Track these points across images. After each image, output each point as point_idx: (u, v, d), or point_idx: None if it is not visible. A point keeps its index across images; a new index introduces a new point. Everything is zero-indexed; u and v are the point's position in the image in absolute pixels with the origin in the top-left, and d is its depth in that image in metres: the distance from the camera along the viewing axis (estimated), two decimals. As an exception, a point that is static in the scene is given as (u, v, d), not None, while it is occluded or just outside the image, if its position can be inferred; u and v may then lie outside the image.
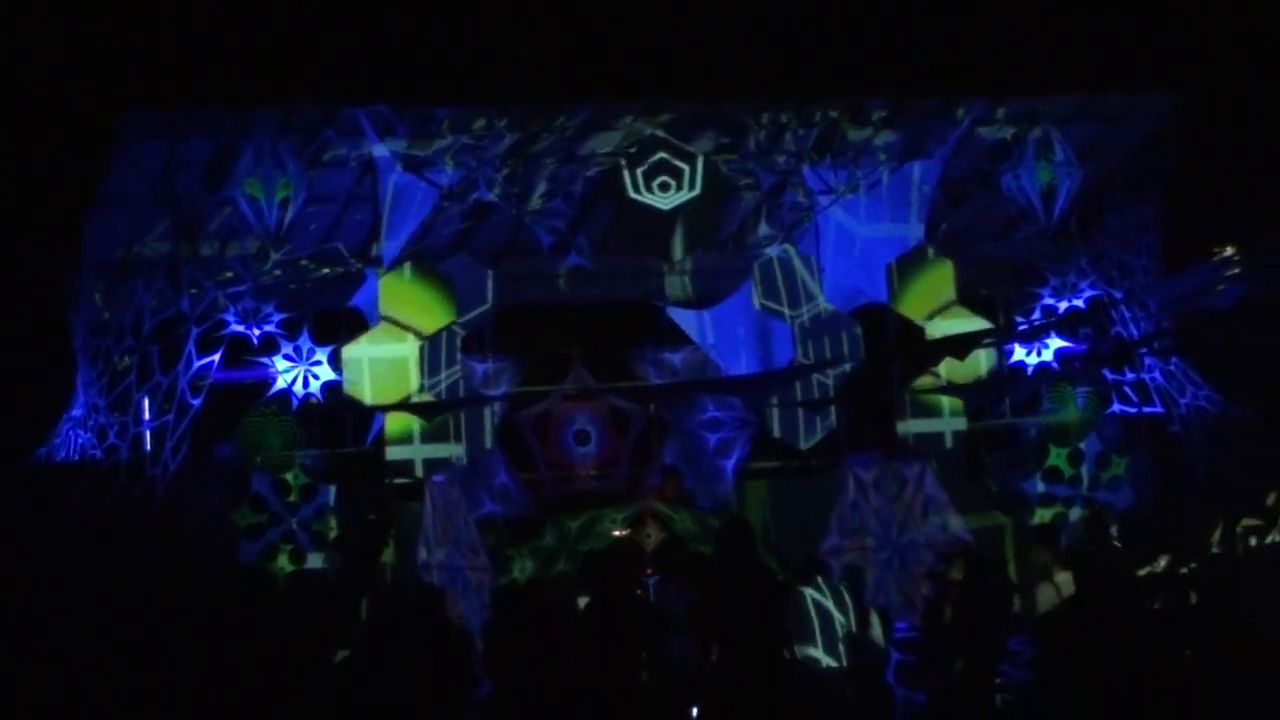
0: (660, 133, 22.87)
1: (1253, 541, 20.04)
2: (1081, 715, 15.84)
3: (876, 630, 19.13)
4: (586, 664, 15.85)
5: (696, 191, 22.97)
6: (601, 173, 23.33)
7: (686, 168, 22.84)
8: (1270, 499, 20.10)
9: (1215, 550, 20.62)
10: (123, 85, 22.92)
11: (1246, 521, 19.93)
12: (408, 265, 22.94)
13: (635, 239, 23.23)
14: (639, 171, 22.87)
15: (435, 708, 15.75)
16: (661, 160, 22.93)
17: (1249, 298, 24.20)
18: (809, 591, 18.16)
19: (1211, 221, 25.07)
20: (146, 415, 22.03)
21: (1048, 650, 17.71)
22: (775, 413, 24.13)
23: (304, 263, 23.06)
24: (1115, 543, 20.45)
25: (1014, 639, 19.41)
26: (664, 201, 22.85)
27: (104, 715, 15.95)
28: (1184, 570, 20.18)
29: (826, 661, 18.03)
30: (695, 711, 15.97)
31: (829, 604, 18.36)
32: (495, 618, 17.36)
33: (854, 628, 18.42)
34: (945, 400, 24.44)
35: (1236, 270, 24.48)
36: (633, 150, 22.87)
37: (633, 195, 22.86)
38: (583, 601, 17.27)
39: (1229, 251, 24.58)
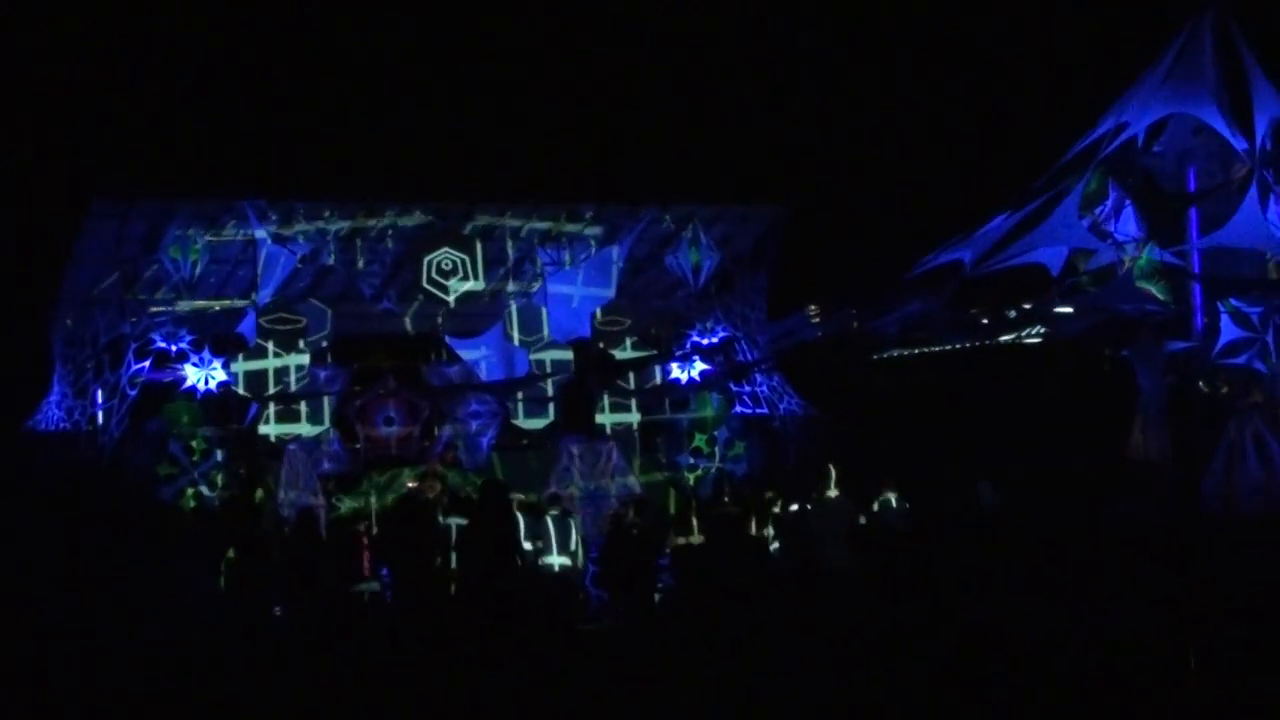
0: (439, 221, 25.74)
1: (822, 500, 22.18)
2: (705, 610, 20.44)
3: (582, 550, 21.92)
4: (399, 565, 19.76)
5: (470, 281, 25.84)
6: (405, 249, 26.09)
7: (466, 257, 26.13)
8: (831, 471, 22.15)
9: (797, 506, 23.21)
10: (89, 184, 26.03)
11: (820, 487, 22.09)
12: (276, 306, 25.72)
13: (427, 294, 26.17)
14: (430, 260, 25.89)
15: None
16: (445, 253, 25.95)
17: (824, 337, 28.23)
18: (551, 515, 21.41)
19: (800, 287, 29.12)
20: (99, 400, 25.14)
21: (685, 567, 22.49)
22: (516, 406, 26.94)
23: (206, 302, 26.06)
24: (735, 497, 23.85)
25: (666, 558, 22.81)
26: (449, 293, 25.99)
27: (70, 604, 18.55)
28: (778, 517, 23.00)
29: (560, 563, 21.14)
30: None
31: (567, 522, 21.52)
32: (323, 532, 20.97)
33: (573, 547, 21.37)
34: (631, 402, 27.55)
35: (816, 319, 28.55)
36: (428, 244, 25.57)
37: (425, 285, 25.69)
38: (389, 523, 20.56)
39: (812, 308, 28.73)
